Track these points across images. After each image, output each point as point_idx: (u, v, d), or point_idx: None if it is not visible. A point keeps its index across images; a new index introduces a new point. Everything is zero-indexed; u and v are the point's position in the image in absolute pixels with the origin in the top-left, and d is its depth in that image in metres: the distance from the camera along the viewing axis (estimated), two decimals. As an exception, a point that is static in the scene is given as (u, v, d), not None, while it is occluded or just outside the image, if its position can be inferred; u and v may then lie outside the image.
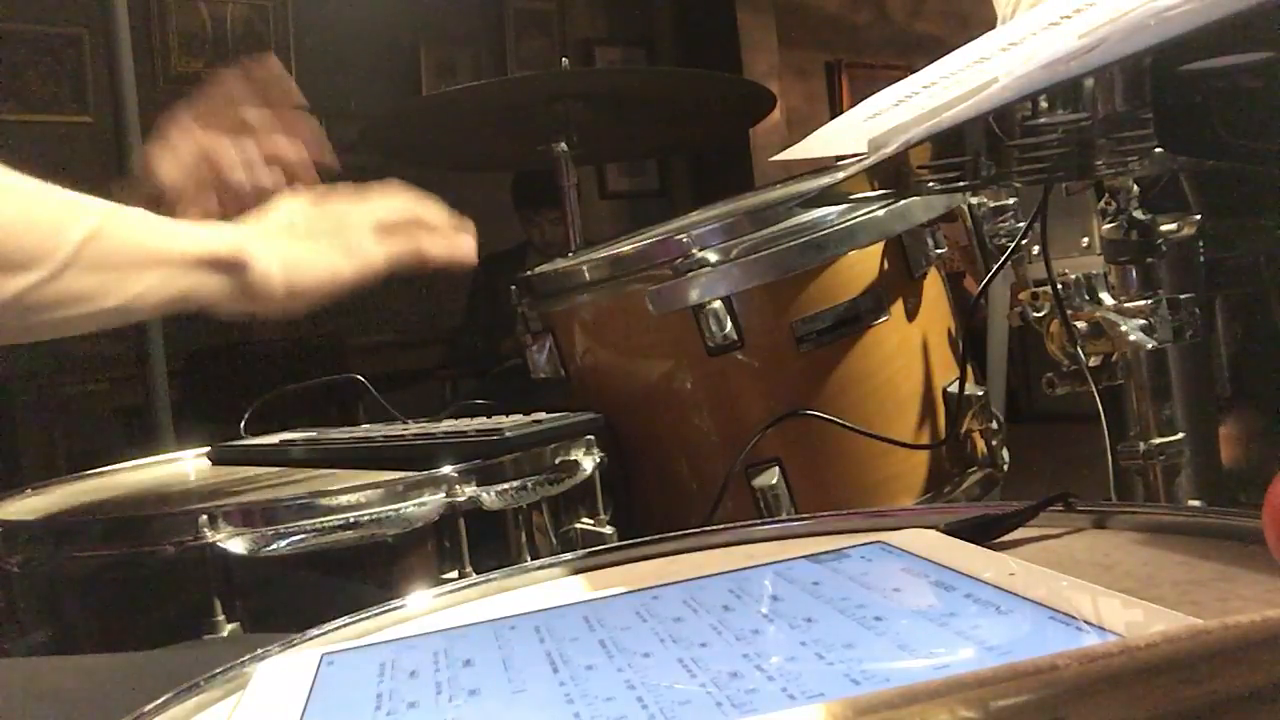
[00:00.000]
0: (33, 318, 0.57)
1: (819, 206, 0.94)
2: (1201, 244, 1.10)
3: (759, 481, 0.94)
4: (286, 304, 0.70)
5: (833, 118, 0.69)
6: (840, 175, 0.74)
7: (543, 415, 0.87)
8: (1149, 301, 0.83)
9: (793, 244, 0.93)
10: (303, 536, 0.70)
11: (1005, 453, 1.06)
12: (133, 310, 0.61)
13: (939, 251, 1.02)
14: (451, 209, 0.79)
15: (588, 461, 0.86)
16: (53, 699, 0.56)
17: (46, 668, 0.64)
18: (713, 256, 0.92)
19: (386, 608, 0.51)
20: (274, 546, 0.69)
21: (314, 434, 0.99)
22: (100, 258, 0.59)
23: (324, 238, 0.72)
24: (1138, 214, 0.82)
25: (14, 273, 0.55)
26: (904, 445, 0.96)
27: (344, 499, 0.71)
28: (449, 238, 0.78)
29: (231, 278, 0.66)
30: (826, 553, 0.48)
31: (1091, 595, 0.38)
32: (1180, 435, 0.85)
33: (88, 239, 0.58)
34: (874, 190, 0.86)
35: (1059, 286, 0.86)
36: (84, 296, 0.59)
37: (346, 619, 0.50)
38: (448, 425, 0.91)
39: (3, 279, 0.55)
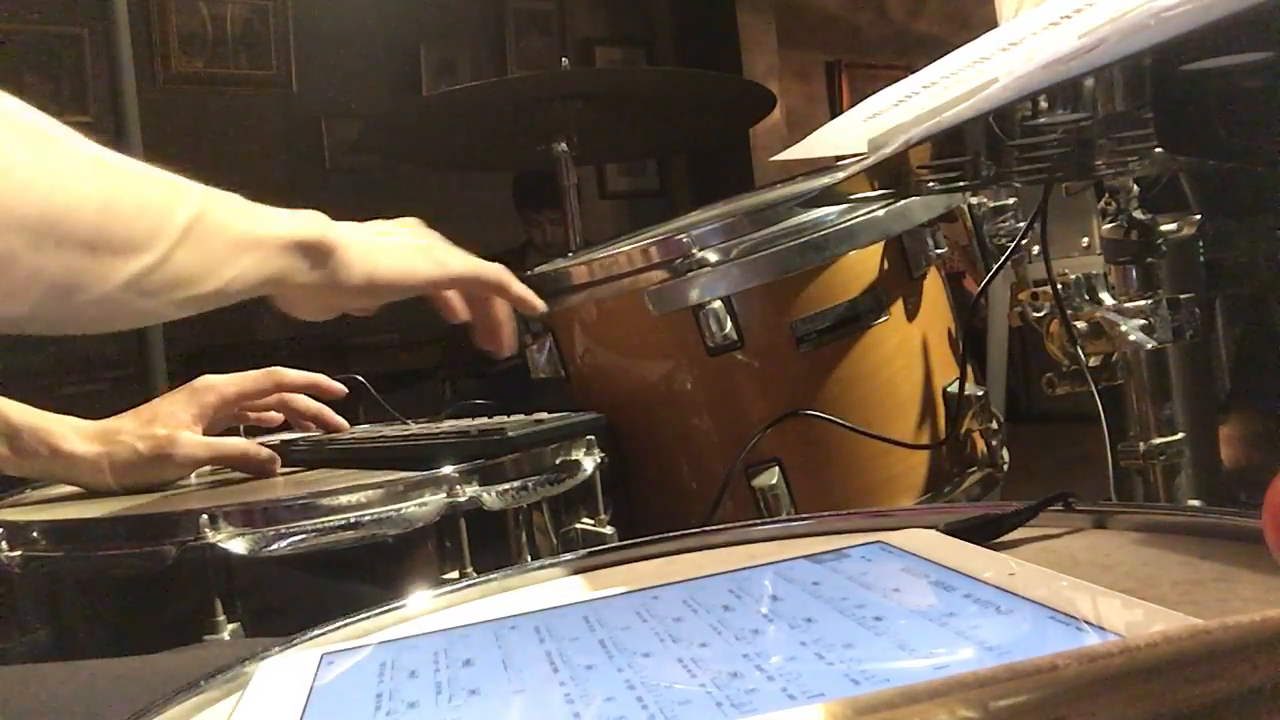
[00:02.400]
0: (140, 303, 0.56)
1: (819, 206, 0.94)
2: (1201, 244, 1.10)
3: (759, 481, 0.94)
4: (364, 294, 0.71)
5: (833, 118, 0.69)
6: (840, 175, 0.75)
7: (544, 415, 0.87)
8: (1149, 301, 0.83)
9: (793, 244, 0.93)
10: (303, 536, 0.70)
11: (1005, 453, 1.06)
12: (229, 293, 0.61)
13: (939, 251, 1.02)
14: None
15: (588, 461, 0.86)
16: (51, 706, 0.56)
17: (44, 674, 0.64)
18: (713, 256, 0.92)
19: (386, 608, 0.51)
20: (274, 546, 0.69)
21: (314, 434, 0.99)
22: (204, 239, 0.58)
23: (403, 236, 0.76)
24: (1138, 214, 0.82)
25: (128, 256, 0.54)
26: (904, 445, 0.96)
27: (344, 499, 0.71)
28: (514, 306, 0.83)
29: (317, 259, 0.67)
30: (826, 553, 0.48)
31: (1091, 595, 0.38)
32: (1180, 435, 0.85)
33: (194, 220, 0.57)
34: (874, 190, 0.86)
35: (1059, 286, 0.86)
36: (190, 279, 0.58)
37: (346, 619, 0.50)
38: (448, 425, 0.91)
39: (118, 262, 0.53)
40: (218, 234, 0.59)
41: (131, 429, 0.84)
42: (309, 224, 0.67)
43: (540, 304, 0.85)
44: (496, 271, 0.80)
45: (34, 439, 0.81)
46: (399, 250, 0.74)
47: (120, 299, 0.54)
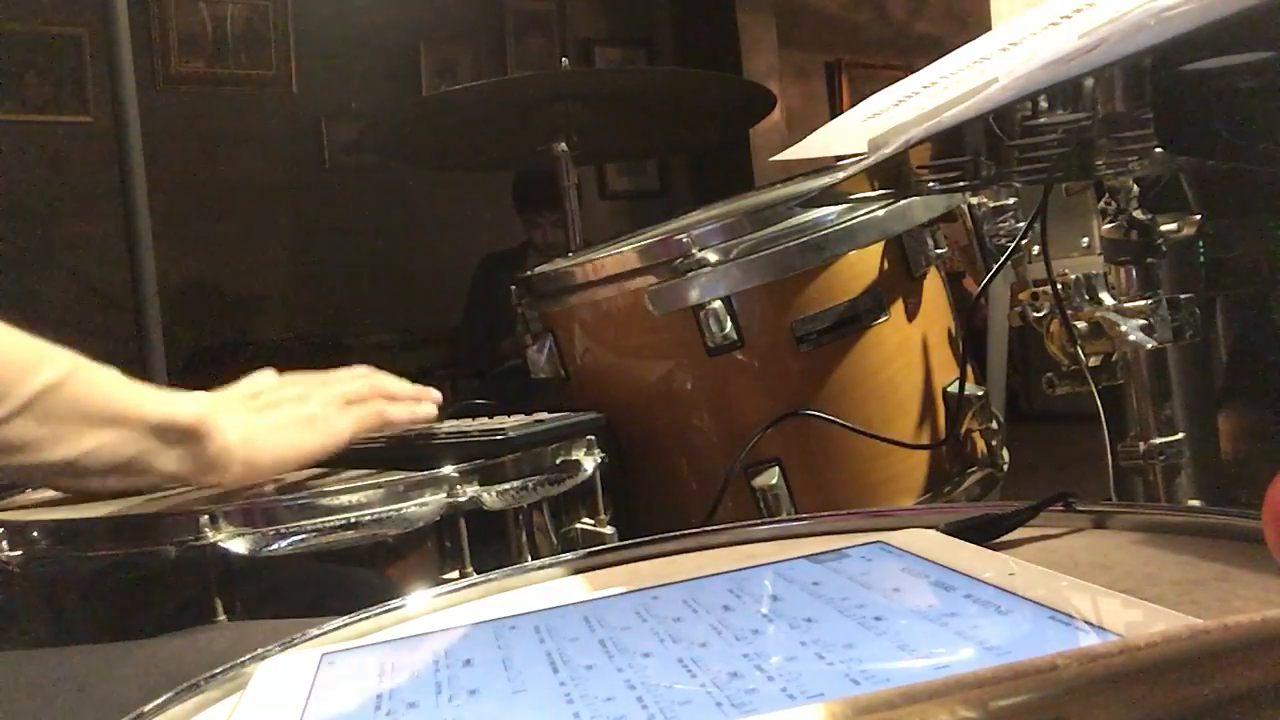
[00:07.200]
0: None
1: (819, 206, 0.94)
2: (1201, 244, 1.10)
3: (759, 481, 0.94)
4: (241, 477, 0.71)
5: (833, 118, 0.69)
6: (840, 175, 0.74)
7: (544, 415, 0.87)
8: (1149, 301, 0.83)
9: (793, 244, 0.93)
10: (303, 536, 0.70)
11: (1005, 453, 1.06)
12: (77, 467, 0.62)
13: (939, 251, 1.02)
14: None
15: (588, 461, 0.86)
16: (43, 688, 0.56)
17: (35, 659, 0.64)
18: (713, 256, 0.92)
19: (386, 608, 0.51)
20: (274, 546, 0.69)
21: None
22: (55, 410, 0.60)
23: (287, 409, 0.74)
24: (1138, 214, 0.82)
25: None
26: (904, 445, 0.96)
27: (344, 499, 0.71)
28: (410, 405, 0.81)
29: (188, 447, 0.67)
30: (826, 553, 0.48)
31: (1091, 595, 0.38)
32: (1180, 435, 0.85)
33: (46, 390, 0.59)
34: (874, 190, 0.86)
35: (1059, 286, 0.86)
36: (29, 446, 0.60)
37: (346, 619, 0.50)
38: (448, 425, 0.91)
39: None
40: (75, 406, 0.61)
41: None
42: (185, 407, 0.66)
43: (426, 411, 0.82)
44: (378, 417, 0.78)
45: None
46: (281, 430, 0.72)
47: None
